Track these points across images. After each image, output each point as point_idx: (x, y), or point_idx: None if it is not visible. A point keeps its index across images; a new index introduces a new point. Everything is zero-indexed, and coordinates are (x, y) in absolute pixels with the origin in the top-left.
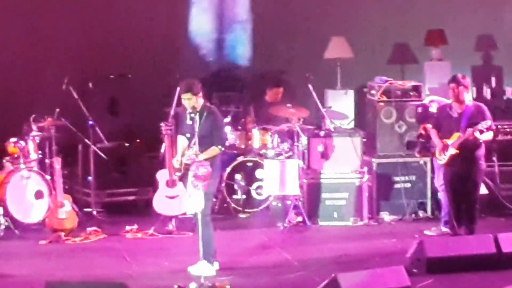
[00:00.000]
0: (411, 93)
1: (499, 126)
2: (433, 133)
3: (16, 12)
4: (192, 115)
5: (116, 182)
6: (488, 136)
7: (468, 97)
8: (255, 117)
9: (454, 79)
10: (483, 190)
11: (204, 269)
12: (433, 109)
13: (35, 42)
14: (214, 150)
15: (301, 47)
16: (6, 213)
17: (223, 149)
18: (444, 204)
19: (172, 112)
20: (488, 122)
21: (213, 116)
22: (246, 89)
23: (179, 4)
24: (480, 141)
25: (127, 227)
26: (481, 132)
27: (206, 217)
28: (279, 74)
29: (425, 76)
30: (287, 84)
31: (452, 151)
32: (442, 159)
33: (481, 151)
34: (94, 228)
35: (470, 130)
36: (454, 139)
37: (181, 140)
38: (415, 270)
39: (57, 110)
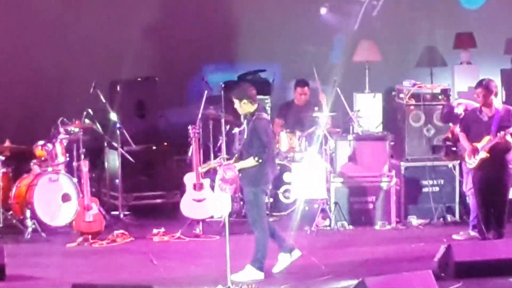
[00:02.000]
0: (440, 97)
1: None
2: (462, 137)
3: (45, 17)
4: (243, 121)
5: (143, 185)
6: None
7: (498, 101)
8: (283, 120)
9: (480, 84)
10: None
11: (250, 274)
12: (458, 110)
13: (63, 46)
14: (249, 161)
15: (330, 51)
16: (34, 216)
17: (260, 161)
18: (472, 208)
19: (199, 115)
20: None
21: (254, 124)
22: (273, 92)
23: (205, 7)
24: (511, 144)
25: (154, 230)
26: (504, 138)
27: (256, 223)
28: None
29: (454, 79)
30: (314, 89)
31: (482, 154)
32: (472, 162)
33: (509, 156)
34: (121, 231)
35: (501, 133)
36: (484, 142)
37: None
38: (443, 275)
39: (85, 113)
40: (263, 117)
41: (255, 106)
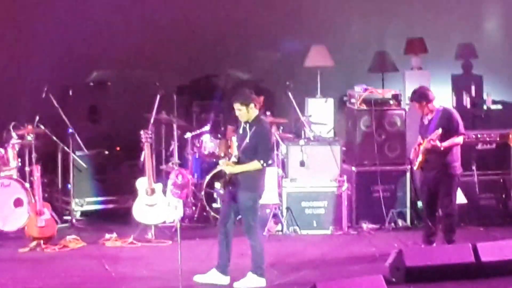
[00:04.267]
0: (391, 102)
1: (478, 135)
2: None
3: None
4: (244, 125)
5: (96, 190)
6: (456, 141)
7: (438, 103)
8: (235, 125)
9: (413, 97)
10: (461, 199)
11: (252, 281)
12: None
13: (14, 50)
14: (254, 164)
15: (282, 55)
16: None
17: (265, 165)
18: None
19: (151, 120)
20: (439, 131)
21: (260, 128)
22: (226, 98)
23: (156, 11)
24: (441, 148)
25: (107, 235)
26: (434, 141)
27: (251, 229)
28: (259, 82)
29: (405, 84)
30: (267, 92)
31: (420, 157)
32: (415, 165)
33: (449, 158)
34: (74, 236)
35: (428, 138)
36: (422, 146)
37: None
38: (394, 279)
39: (37, 117)
40: (267, 121)
41: (258, 111)
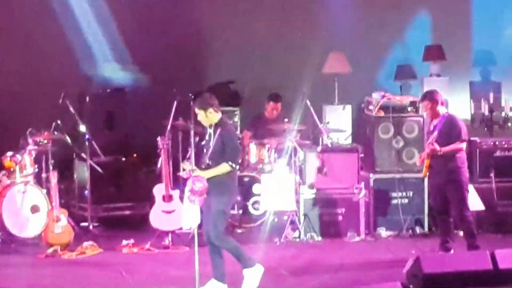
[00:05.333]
0: (409, 109)
1: (496, 143)
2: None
3: (14, 26)
4: (210, 130)
5: (113, 196)
6: (457, 147)
7: (442, 110)
8: (253, 132)
9: (424, 97)
10: (479, 206)
11: (251, 280)
12: None
13: (32, 56)
14: (223, 167)
15: (299, 62)
16: (2, 228)
17: (234, 166)
18: None
19: (168, 127)
20: (435, 134)
21: (224, 131)
22: (243, 104)
23: (175, 17)
24: (440, 152)
25: (124, 242)
26: (432, 144)
27: (221, 235)
28: (277, 89)
29: (424, 91)
30: (284, 99)
31: (426, 162)
32: (422, 171)
33: (453, 164)
34: (91, 242)
35: (428, 142)
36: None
37: None
38: (411, 286)
39: (54, 124)
40: (230, 123)
41: (220, 114)
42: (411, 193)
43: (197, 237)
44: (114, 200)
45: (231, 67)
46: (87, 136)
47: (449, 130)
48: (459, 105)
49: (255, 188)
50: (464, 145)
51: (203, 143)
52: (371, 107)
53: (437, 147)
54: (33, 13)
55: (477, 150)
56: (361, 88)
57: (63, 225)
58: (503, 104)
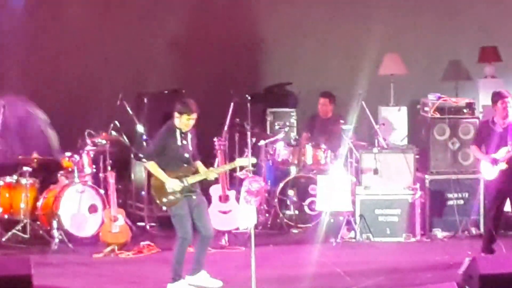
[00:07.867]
0: (465, 110)
1: None
2: (474, 149)
3: (72, 29)
4: (183, 134)
5: None
6: None
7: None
8: (309, 133)
9: (509, 94)
10: None
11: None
12: None
13: (90, 58)
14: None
15: (355, 64)
16: (60, 227)
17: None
18: None
19: (225, 128)
20: None
21: (193, 133)
22: (299, 105)
23: (231, 20)
24: None
25: None
26: None
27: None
28: (332, 90)
29: (479, 93)
30: (340, 101)
31: (502, 165)
32: (490, 173)
33: None
34: (148, 242)
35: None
36: (503, 154)
37: None
38: (467, 287)
39: (112, 125)
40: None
41: (181, 118)
42: (466, 194)
43: (254, 237)
44: None
45: (287, 68)
46: (144, 137)
47: None
48: None
49: (311, 189)
50: None
51: (261, 143)
52: (426, 108)
53: None
54: (93, 16)
55: None
56: (416, 89)
57: (120, 224)
58: None
